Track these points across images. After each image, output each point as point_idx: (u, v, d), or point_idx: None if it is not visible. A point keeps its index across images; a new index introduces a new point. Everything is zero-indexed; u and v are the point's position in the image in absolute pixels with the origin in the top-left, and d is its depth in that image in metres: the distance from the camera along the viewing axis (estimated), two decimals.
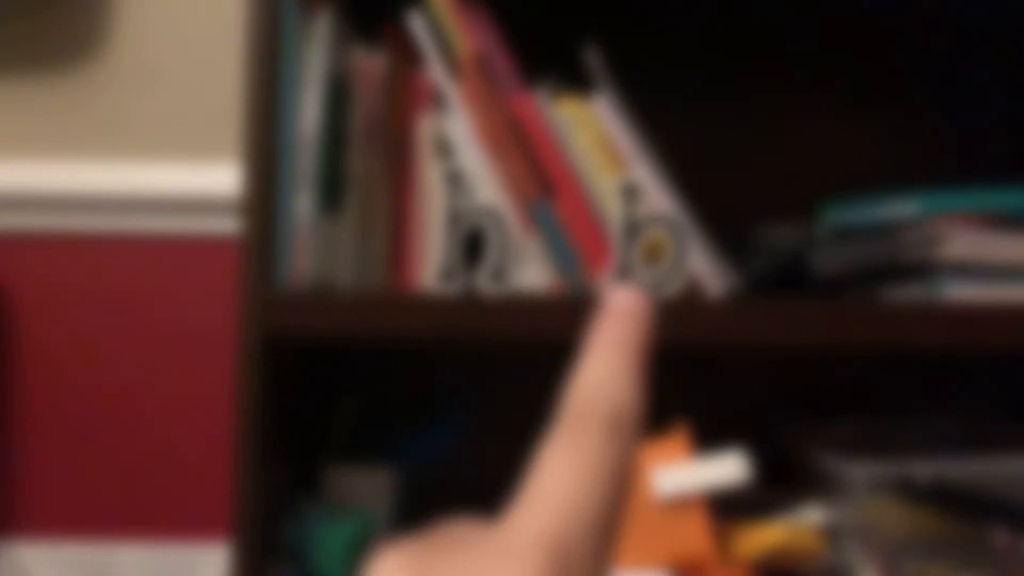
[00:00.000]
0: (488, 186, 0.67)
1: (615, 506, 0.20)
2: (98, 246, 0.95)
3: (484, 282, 0.66)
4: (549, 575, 0.17)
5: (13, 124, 0.95)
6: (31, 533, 0.94)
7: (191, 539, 0.94)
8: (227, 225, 0.93)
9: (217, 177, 0.93)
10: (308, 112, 0.63)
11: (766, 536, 0.64)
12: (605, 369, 0.22)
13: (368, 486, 0.75)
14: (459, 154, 0.67)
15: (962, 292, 0.63)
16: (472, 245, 0.67)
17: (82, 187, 0.92)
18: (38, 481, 0.95)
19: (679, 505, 0.60)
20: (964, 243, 0.62)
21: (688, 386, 0.91)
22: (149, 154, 0.95)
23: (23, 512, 0.95)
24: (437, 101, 0.69)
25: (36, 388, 0.95)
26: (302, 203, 0.62)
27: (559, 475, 0.19)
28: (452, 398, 0.86)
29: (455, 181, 0.67)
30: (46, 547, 0.94)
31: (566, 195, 0.67)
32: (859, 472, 0.65)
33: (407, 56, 0.73)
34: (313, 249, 0.63)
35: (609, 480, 0.20)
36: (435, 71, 0.68)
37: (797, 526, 0.64)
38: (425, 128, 0.68)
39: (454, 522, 0.21)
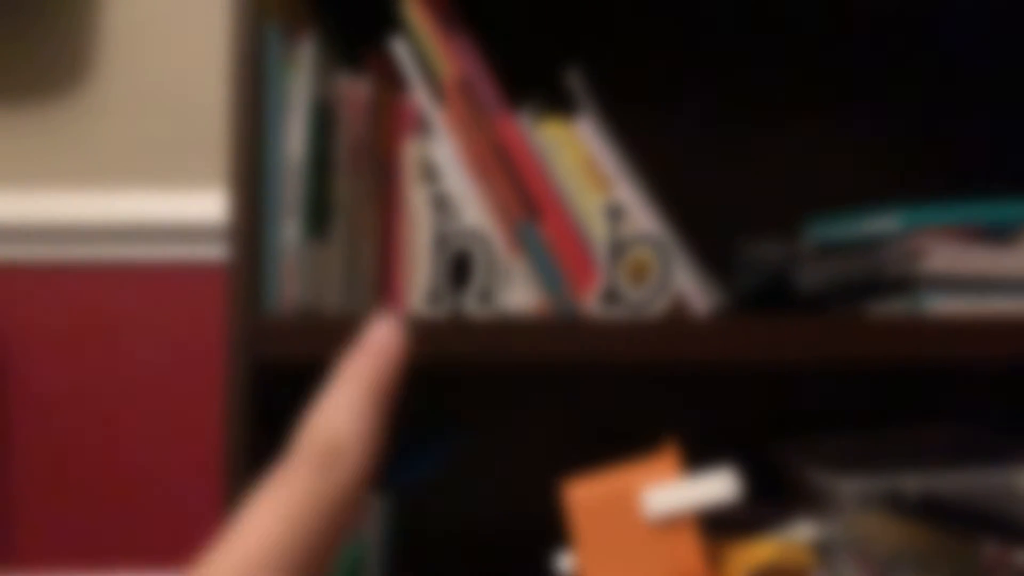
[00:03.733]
0: (474, 209, 0.67)
1: (317, 540, 0.20)
2: (84, 275, 0.94)
3: (471, 304, 0.66)
4: None
5: None
6: (20, 564, 0.93)
7: (177, 568, 0.93)
8: (214, 252, 0.93)
9: (203, 204, 0.93)
10: (293, 138, 0.64)
11: (758, 553, 0.64)
12: (335, 404, 0.22)
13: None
14: (444, 178, 0.68)
15: (944, 305, 0.63)
16: (459, 268, 0.67)
17: (68, 215, 0.92)
18: (29, 511, 0.94)
19: (670, 525, 0.60)
20: (945, 257, 0.63)
21: (677, 404, 0.91)
22: (135, 182, 0.95)
23: (11, 543, 0.94)
24: (422, 125, 0.69)
25: (23, 418, 0.94)
26: (289, 229, 0.63)
27: (256, 513, 0.20)
28: (440, 421, 0.86)
29: (441, 204, 0.67)
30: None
31: (551, 216, 0.67)
32: (848, 487, 0.66)
33: (391, 81, 0.74)
34: (300, 274, 0.63)
35: (311, 515, 0.20)
36: (419, 96, 0.69)
37: (788, 542, 0.65)
38: (410, 152, 0.69)
39: None
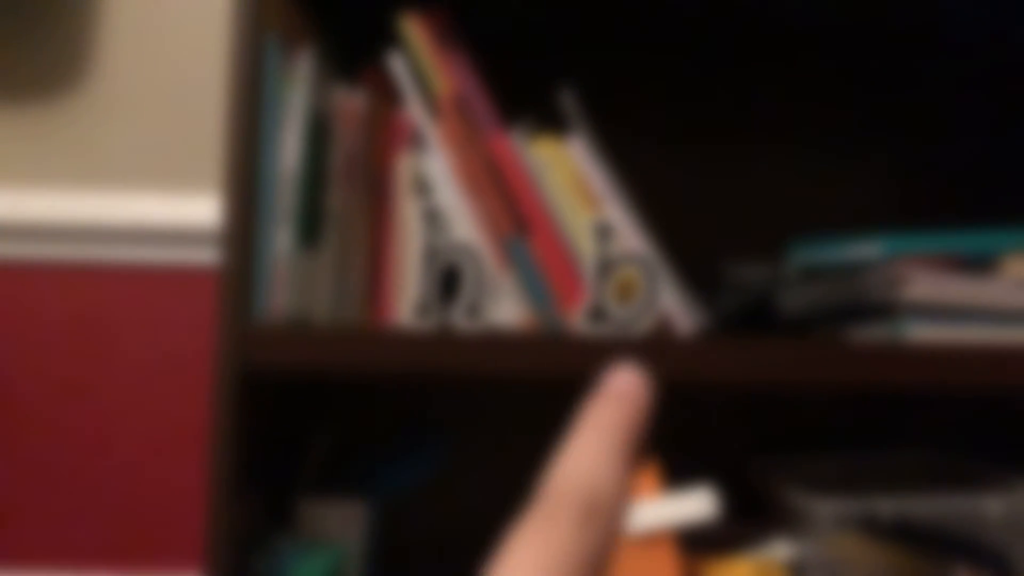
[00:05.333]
0: (465, 224, 0.68)
1: None
2: (78, 275, 0.95)
3: (459, 318, 0.67)
4: None
5: None
6: (13, 563, 0.93)
7: (165, 571, 0.93)
8: (204, 256, 0.94)
9: (195, 208, 0.94)
10: (289, 149, 0.65)
11: (734, 571, 0.65)
12: (587, 452, 0.21)
13: (342, 519, 0.75)
14: (437, 192, 0.69)
15: (924, 332, 0.65)
16: (448, 281, 0.68)
17: (63, 215, 0.93)
18: (22, 511, 0.94)
19: (649, 540, 0.61)
20: (926, 285, 0.64)
21: (658, 422, 0.92)
22: (128, 184, 0.95)
23: (3, 542, 0.94)
24: (416, 140, 0.70)
25: (10, 417, 0.94)
26: (281, 238, 0.63)
27: (524, 561, 0.19)
28: (426, 432, 0.87)
29: (432, 218, 0.68)
30: None
31: (541, 233, 0.68)
32: (824, 508, 0.67)
33: (387, 96, 0.75)
34: (291, 283, 0.63)
35: (578, 567, 0.19)
36: (414, 111, 0.70)
37: (764, 561, 0.66)
38: (404, 166, 0.70)
39: None
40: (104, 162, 0.96)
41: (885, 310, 0.67)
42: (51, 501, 0.94)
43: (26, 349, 0.95)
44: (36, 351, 0.95)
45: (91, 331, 0.95)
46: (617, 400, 0.23)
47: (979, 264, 0.67)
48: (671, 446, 0.92)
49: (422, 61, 0.71)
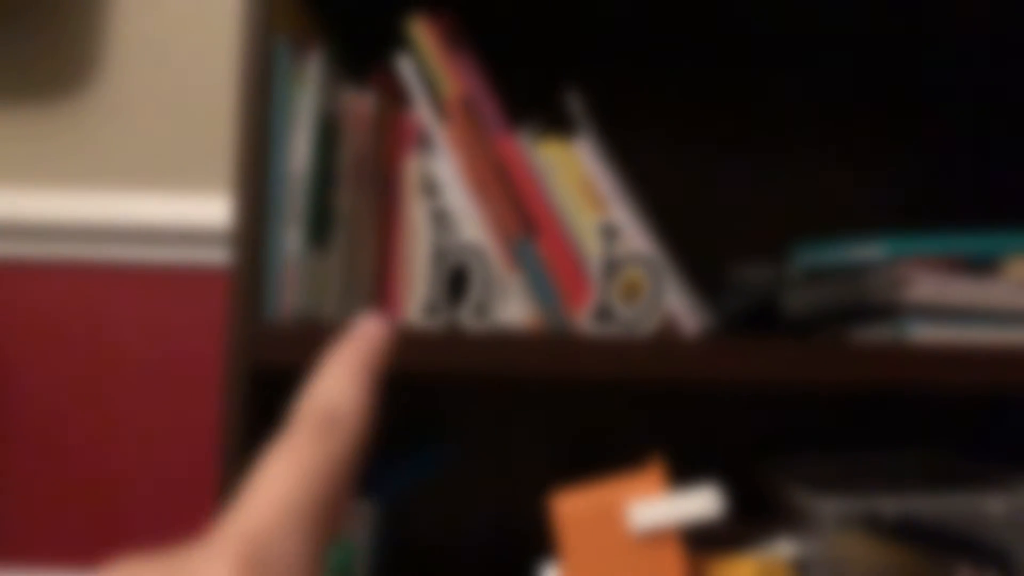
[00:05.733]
0: (472, 224, 0.69)
1: (325, 499, 0.21)
2: (86, 274, 0.95)
3: (467, 317, 0.68)
4: (242, 568, 0.19)
5: (1, 153, 0.96)
6: (15, 562, 0.94)
7: None
8: (212, 256, 0.95)
9: (202, 208, 0.94)
10: (298, 150, 0.65)
11: (738, 570, 0.65)
12: (328, 379, 0.25)
13: (349, 517, 0.76)
14: (444, 193, 0.69)
15: (926, 333, 0.65)
16: (456, 281, 0.68)
17: (72, 215, 0.93)
18: (25, 510, 0.95)
19: (654, 539, 0.62)
20: (928, 286, 0.65)
21: (663, 421, 0.92)
22: (135, 184, 0.96)
23: (6, 541, 0.94)
24: (424, 142, 0.71)
25: (16, 416, 0.95)
26: (291, 238, 0.64)
27: (267, 476, 0.21)
28: (433, 430, 0.87)
29: (440, 219, 0.69)
30: (29, 574, 0.93)
31: (548, 234, 0.69)
32: (827, 507, 0.67)
33: (395, 98, 0.76)
34: (300, 283, 0.64)
35: (317, 476, 0.22)
36: (422, 113, 0.71)
37: (768, 560, 0.66)
38: (412, 167, 0.70)
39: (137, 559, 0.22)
40: (112, 162, 0.96)
41: (888, 311, 0.67)
42: (58, 501, 0.95)
43: (35, 349, 0.95)
44: (45, 351, 0.95)
45: (100, 331, 0.95)
46: (357, 338, 0.27)
47: (982, 266, 0.68)
48: (676, 445, 0.92)
49: (430, 63, 0.72)
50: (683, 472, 0.92)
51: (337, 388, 0.24)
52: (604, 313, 0.68)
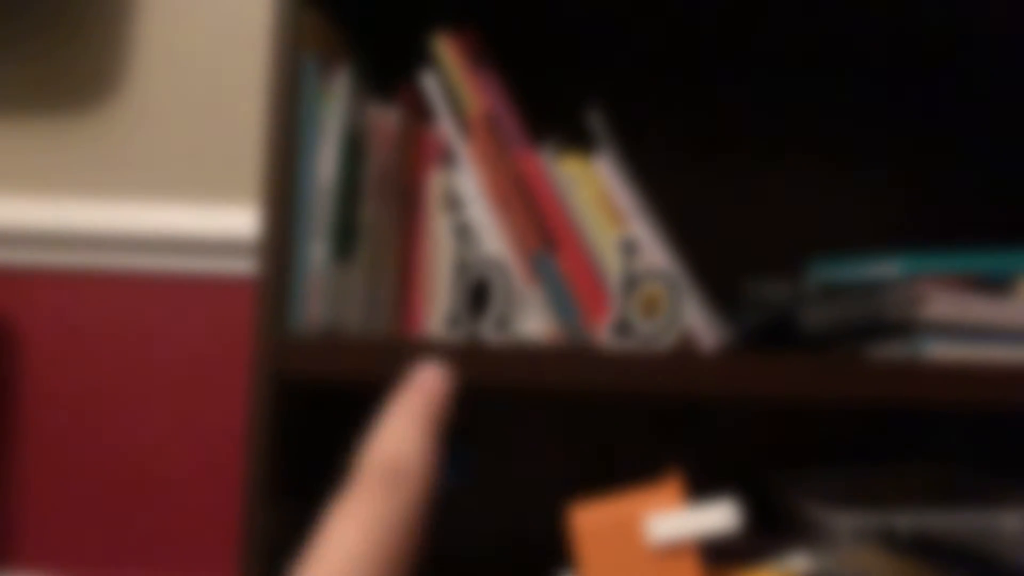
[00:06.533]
0: (494, 238, 0.70)
1: (395, 553, 0.22)
2: (111, 284, 0.97)
3: (488, 330, 0.69)
4: None
5: (30, 162, 0.98)
6: (31, 565, 0.95)
7: (191, 575, 0.95)
8: (238, 266, 0.96)
9: (228, 219, 0.96)
10: (325, 163, 0.67)
11: None
12: (394, 432, 0.25)
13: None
14: (467, 208, 0.71)
15: (942, 350, 0.66)
16: (478, 294, 0.70)
17: (97, 226, 0.95)
18: (39, 513, 0.96)
19: (672, 552, 0.62)
20: (944, 304, 0.66)
21: (681, 435, 0.93)
22: (161, 195, 0.98)
23: (22, 543, 0.96)
24: (447, 157, 0.72)
25: (41, 423, 0.96)
26: (317, 250, 0.65)
27: (336, 530, 0.22)
28: (453, 442, 0.88)
29: (462, 233, 0.70)
30: None
31: (568, 249, 0.70)
32: (843, 522, 0.68)
33: (420, 113, 0.77)
34: (326, 294, 0.65)
35: (386, 530, 0.22)
36: (446, 128, 0.72)
37: (784, 573, 0.67)
38: (435, 182, 0.72)
39: None
40: (138, 173, 0.98)
41: (904, 328, 0.68)
42: (84, 507, 0.96)
43: (60, 357, 0.97)
44: (70, 359, 0.97)
45: (126, 340, 0.97)
46: (418, 389, 0.27)
47: (997, 284, 0.69)
48: (694, 459, 0.93)
49: (454, 80, 0.73)
50: (700, 486, 0.93)
51: (402, 440, 0.25)
52: (623, 328, 0.69)
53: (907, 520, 0.67)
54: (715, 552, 0.75)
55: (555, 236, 0.71)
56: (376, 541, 0.22)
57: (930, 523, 0.67)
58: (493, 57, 0.94)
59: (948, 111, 0.96)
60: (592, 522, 0.64)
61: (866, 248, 0.94)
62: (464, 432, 0.92)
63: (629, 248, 0.70)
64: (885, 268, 0.69)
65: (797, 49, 0.90)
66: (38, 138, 0.99)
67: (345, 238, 0.68)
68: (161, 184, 0.98)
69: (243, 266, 0.96)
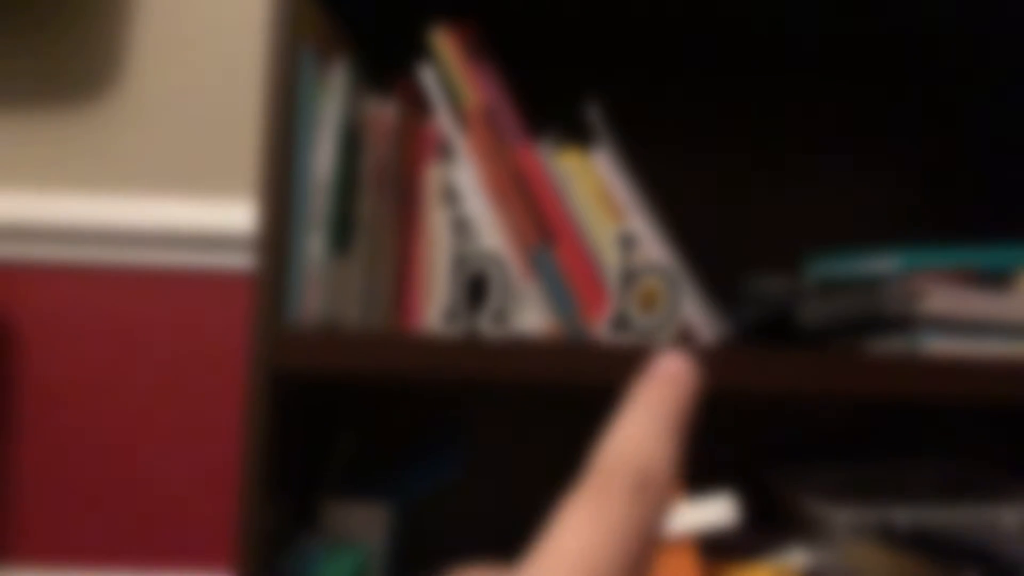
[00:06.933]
0: (492, 233, 0.70)
1: (637, 565, 0.19)
2: (108, 278, 0.97)
3: (486, 324, 0.69)
4: None
5: (27, 156, 0.98)
6: (30, 561, 0.95)
7: (192, 569, 0.95)
8: (235, 260, 0.96)
9: (224, 213, 0.95)
10: (322, 158, 0.66)
11: None
12: (637, 429, 0.22)
13: (365, 521, 0.77)
14: (464, 202, 0.70)
15: (940, 345, 0.66)
16: (475, 288, 0.69)
17: (94, 220, 0.95)
18: (38, 509, 0.96)
19: (670, 546, 0.62)
20: (943, 299, 0.66)
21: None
22: (158, 189, 0.97)
23: (21, 539, 0.96)
24: (445, 151, 0.72)
25: (39, 417, 0.96)
26: (314, 244, 0.65)
27: (578, 532, 0.19)
28: (450, 435, 0.88)
29: (460, 227, 0.70)
30: (44, 574, 0.94)
31: (566, 243, 0.70)
32: (841, 517, 0.68)
33: (417, 107, 0.77)
34: (323, 288, 0.65)
35: (630, 539, 0.19)
36: (443, 122, 0.72)
37: (782, 568, 0.67)
38: (433, 176, 0.71)
39: (471, 567, 0.21)
40: (135, 167, 0.98)
41: (902, 323, 0.68)
42: (82, 501, 0.96)
43: (58, 352, 0.97)
44: (68, 354, 0.97)
45: (123, 335, 0.97)
46: (665, 381, 0.24)
47: (995, 279, 0.69)
48: (692, 454, 0.93)
49: (451, 74, 0.73)
50: (698, 481, 0.93)
51: (650, 442, 0.22)
52: (621, 322, 0.69)
53: (906, 515, 0.67)
54: (713, 547, 0.75)
55: (553, 230, 0.70)
56: (615, 551, 0.19)
57: (929, 518, 0.67)
58: (491, 50, 0.94)
59: (947, 106, 0.95)
60: None
61: (864, 243, 0.94)
62: (455, 425, 0.92)
63: (627, 242, 0.70)
64: (883, 263, 0.69)
65: (797, 45, 0.90)
66: (35, 132, 0.98)
67: (342, 232, 0.68)
68: (158, 178, 0.98)
69: (240, 260, 0.96)
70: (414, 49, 0.93)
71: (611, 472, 0.21)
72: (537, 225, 0.71)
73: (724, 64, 0.95)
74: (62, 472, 0.96)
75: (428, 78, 0.72)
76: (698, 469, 0.93)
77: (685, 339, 0.70)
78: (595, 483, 0.21)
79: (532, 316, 0.69)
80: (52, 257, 0.96)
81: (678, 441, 0.23)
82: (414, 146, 0.74)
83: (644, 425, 0.22)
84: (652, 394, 0.23)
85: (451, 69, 0.73)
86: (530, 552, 0.20)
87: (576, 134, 0.94)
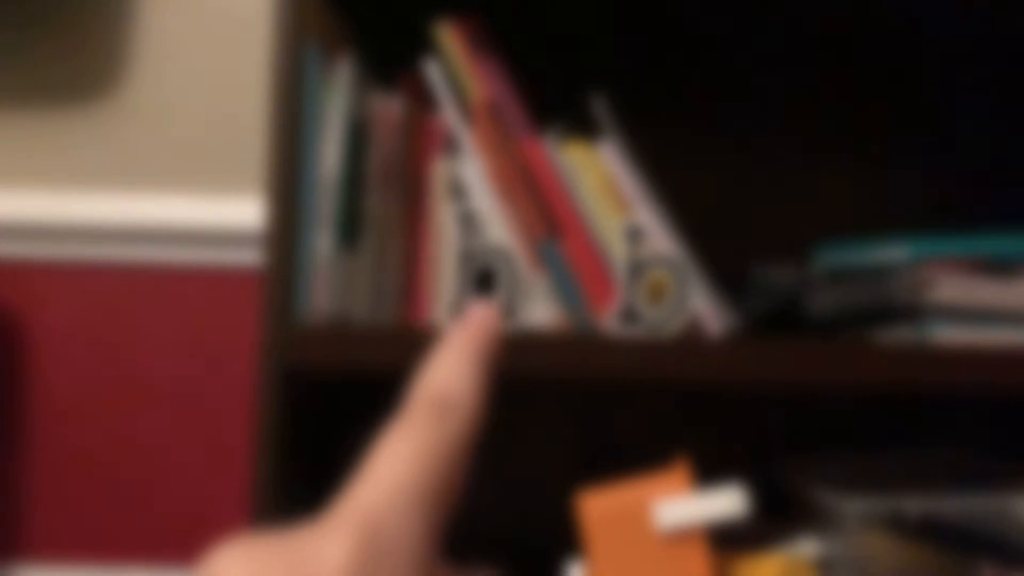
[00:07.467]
0: (499, 227, 0.70)
1: (441, 481, 0.22)
2: (113, 276, 0.97)
3: None
4: (360, 545, 0.19)
5: (33, 155, 0.98)
6: (40, 558, 0.96)
7: (195, 567, 0.96)
8: (243, 257, 0.96)
9: (231, 210, 0.96)
10: (329, 153, 0.66)
11: (763, 568, 0.66)
12: (442, 365, 0.25)
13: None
14: (471, 196, 0.70)
15: (949, 334, 0.66)
16: (483, 282, 0.70)
17: (99, 217, 0.95)
18: (48, 506, 0.96)
19: (680, 538, 0.63)
20: (951, 288, 0.65)
21: (689, 421, 0.93)
22: (165, 185, 0.98)
23: (31, 537, 0.96)
24: (451, 145, 0.72)
25: (47, 415, 0.97)
26: (322, 240, 0.65)
27: (388, 458, 0.22)
28: None
29: (467, 221, 0.70)
30: (54, 572, 0.95)
31: (573, 236, 0.70)
32: (851, 506, 0.68)
33: (423, 102, 0.77)
34: (331, 284, 0.65)
35: (435, 458, 0.22)
36: (450, 116, 0.72)
37: (792, 558, 0.67)
38: (439, 170, 0.72)
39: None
40: (140, 164, 0.98)
41: (911, 312, 0.68)
42: (93, 499, 0.96)
43: (63, 350, 0.97)
44: (74, 352, 0.97)
45: (130, 332, 0.97)
46: (467, 325, 0.27)
47: (1004, 267, 0.68)
48: (701, 444, 0.93)
49: (457, 68, 0.73)
50: (708, 471, 0.93)
51: (451, 373, 0.25)
52: (629, 314, 0.69)
53: (916, 504, 0.67)
54: (724, 537, 0.75)
55: (560, 223, 0.70)
56: (422, 469, 0.22)
57: (939, 507, 0.67)
58: (496, 44, 0.93)
59: (953, 94, 0.95)
60: (600, 509, 0.64)
61: (872, 232, 0.94)
62: None
63: (634, 234, 0.70)
64: (892, 252, 0.69)
65: (805, 35, 0.89)
66: (41, 131, 0.99)
67: (350, 227, 0.68)
68: (165, 176, 0.98)
69: (248, 257, 0.96)
70: (419, 44, 0.93)
71: (417, 402, 0.24)
72: (544, 218, 0.71)
73: (730, 54, 0.94)
74: (70, 469, 0.97)
75: (433, 73, 0.72)
76: (708, 460, 0.93)
77: (693, 330, 0.70)
78: (404, 415, 0.23)
79: (540, 309, 0.69)
80: (59, 255, 0.96)
81: (481, 373, 0.25)
82: (420, 141, 0.74)
83: (448, 361, 0.25)
84: (457, 335, 0.26)
85: (456, 63, 0.73)
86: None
87: (582, 127, 0.94)
